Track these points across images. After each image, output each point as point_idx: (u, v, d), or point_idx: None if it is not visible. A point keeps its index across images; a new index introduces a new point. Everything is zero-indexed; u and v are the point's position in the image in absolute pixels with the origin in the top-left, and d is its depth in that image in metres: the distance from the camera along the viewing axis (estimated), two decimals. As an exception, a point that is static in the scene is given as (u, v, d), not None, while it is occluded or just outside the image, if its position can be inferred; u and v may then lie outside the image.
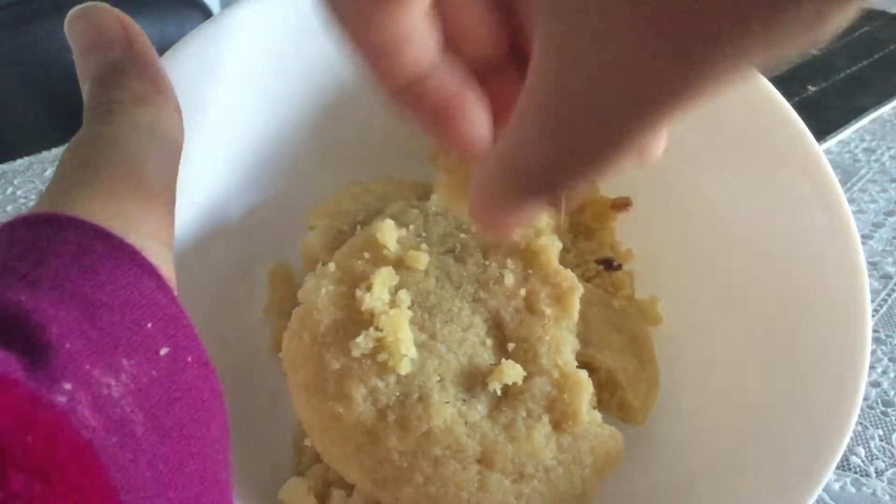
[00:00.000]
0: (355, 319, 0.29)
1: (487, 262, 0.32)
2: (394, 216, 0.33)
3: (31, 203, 0.55)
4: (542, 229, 0.33)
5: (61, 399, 0.16)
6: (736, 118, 0.34)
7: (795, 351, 0.31)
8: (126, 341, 0.18)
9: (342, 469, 0.29)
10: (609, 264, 0.38)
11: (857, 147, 0.65)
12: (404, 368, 0.28)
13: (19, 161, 0.61)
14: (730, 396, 0.33)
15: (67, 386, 0.16)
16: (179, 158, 0.25)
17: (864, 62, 0.76)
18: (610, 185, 0.40)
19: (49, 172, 0.60)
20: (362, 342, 0.28)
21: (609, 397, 0.33)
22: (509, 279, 0.31)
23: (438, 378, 0.29)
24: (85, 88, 0.25)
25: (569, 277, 0.32)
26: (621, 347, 0.34)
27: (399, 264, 0.31)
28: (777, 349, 0.32)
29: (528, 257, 0.32)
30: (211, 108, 0.34)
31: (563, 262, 0.37)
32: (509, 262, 0.32)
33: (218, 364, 0.34)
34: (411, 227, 0.33)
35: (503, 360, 0.29)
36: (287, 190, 0.38)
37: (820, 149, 0.32)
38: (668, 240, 0.38)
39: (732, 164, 0.35)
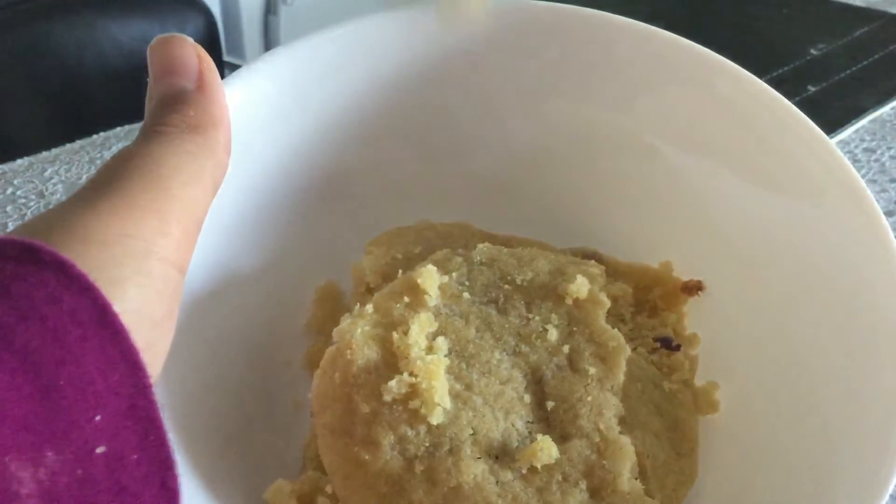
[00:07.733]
0: (390, 363, 0.28)
1: (530, 316, 0.31)
2: (437, 263, 0.32)
3: (31, 203, 0.55)
4: (592, 285, 0.31)
5: None
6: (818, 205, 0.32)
7: (844, 443, 0.29)
8: (62, 433, 0.17)
9: (363, 520, 0.27)
10: (667, 343, 0.36)
11: (857, 147, 0.64)
12: (437, 418, 0.27)
13: (19, 161, 0.60)
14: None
15: None
16: (215, 191, 0.25)
17: (864, 62, 0.75)
18: (684, 266, 0.37)
19: (49, 172, 0.59)
20: (395, 386, 0.27)
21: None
22: (552, 334, 0.30)
23: (471, 431, 0.27)
24: (148, 108, 0.26)
25: (615, 337, 0.30)
26: (657, 432, 0.32)
27: (438, 311, 0.30)
28: (825, 459, 0.29)
29: (573, 313, 0.31)
30: (291, 142, 0.35)
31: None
32: (553, 316, 0.31)
33: (251, 368, 0.34)
34: (454, 274, 0.32)
35: (539, 435, 0.28)
36: (357, 221, 0.38)
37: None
38: (737, 329, 0.35)
39: (802, 257, 0.33)
